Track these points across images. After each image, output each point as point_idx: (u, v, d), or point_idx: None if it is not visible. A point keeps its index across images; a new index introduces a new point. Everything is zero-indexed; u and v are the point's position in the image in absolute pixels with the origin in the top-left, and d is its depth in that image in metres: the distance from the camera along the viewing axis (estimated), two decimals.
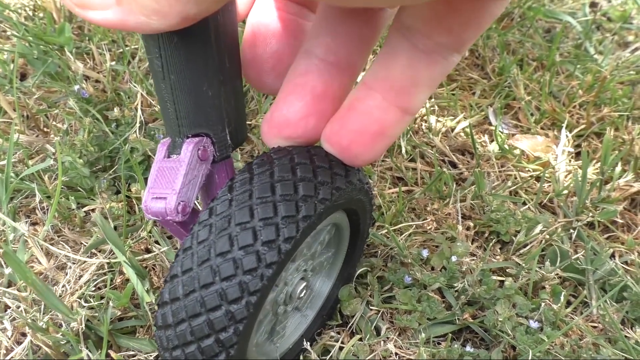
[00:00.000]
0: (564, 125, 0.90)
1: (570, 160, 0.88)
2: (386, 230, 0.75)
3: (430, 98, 0.99)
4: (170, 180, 0.51)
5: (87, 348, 0.60)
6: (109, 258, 0.70)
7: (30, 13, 1.04)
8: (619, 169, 0.85)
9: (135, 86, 0.89)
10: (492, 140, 0.93)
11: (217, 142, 0.53)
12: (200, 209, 0.57)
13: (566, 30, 1.20)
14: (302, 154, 0.51)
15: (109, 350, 0.60)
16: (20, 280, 0.63)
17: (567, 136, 0.89)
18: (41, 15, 1.04)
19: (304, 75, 0.50)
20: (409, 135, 0.90)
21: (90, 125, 0.78)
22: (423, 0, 0.35)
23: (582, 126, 0.94)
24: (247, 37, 0.53)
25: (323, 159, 0.52)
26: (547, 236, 0.77)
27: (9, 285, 0.66)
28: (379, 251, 0.75)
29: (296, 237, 0.47)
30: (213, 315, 0.46)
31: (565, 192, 0.84)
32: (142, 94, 0.87)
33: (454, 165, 0.90)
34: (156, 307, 0.65)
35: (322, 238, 0.61)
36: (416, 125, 0.94)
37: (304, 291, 0.60)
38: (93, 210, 0.76)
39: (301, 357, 0.59)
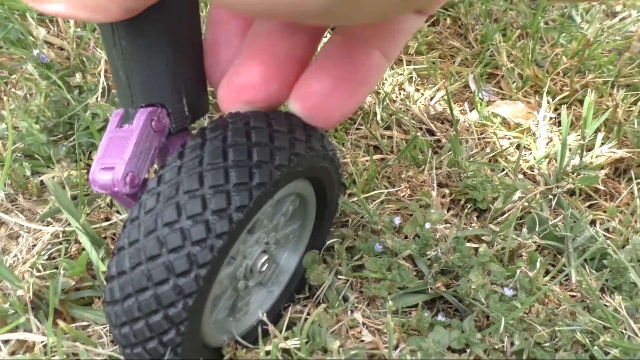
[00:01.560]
0: (545, 90, 0.87)
1: (551, 127, 0.85)
2: (357, 198, 0.72)
3: (409, 64, 0.96)
4: (120, 149, 0.47)
5: (36, 317, 0.57)
6: (65, 227, 0.66)
7: None
8: (601, 135, 0.82)
9: (99, 52, 0.86)
10: (472, 109, 0.90)
11: (173, 113, 0.49)
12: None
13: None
14: (258, 118, 0.48)
15: (58, 320, 0.57)
16: None
17: (548, 102, 0.86)
18: None
19: (265, 38, 0.47)
20: (385, 103, 0.87)
21: (48, 89, 0.75)
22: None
23: (566, 93, 0.91)
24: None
25: (282, 122, 0.48)
26: (526, 203, 0.74)
27: None
28: (350, 220, 0.72)
29: (249, 206, 0.44)
30: (160, 290, 0.43)
31: (546, 159, 0.80)
32: (106, 60, 0.83)
33: (431, 133, 0.86)
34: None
35: (286, 209, 0.57)
36: (394, 95, 0.91)
37: (266, 265, 0.57)
38: (47, 179, 0.73)
39: (259, 331, 0.56)
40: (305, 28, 0.47)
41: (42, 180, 0.72)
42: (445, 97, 0.89)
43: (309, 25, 0.47)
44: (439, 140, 0.85)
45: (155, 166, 0.53)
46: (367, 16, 0.34)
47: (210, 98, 0.58)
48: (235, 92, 0.48)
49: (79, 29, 0.91)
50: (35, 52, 0.81)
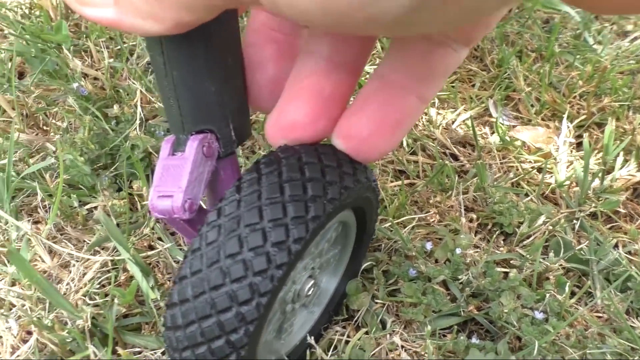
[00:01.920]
0: (565, 115, 0.90)
1: (571, 151, 0.88)
2: (389, 224, 0.75)
3: None
4: (176, 178, 0.50)
5: (93, 345, 0.60)
6: (113, 255, 0.70)
7: (27, 11, 1.04)
8: (620, 159, 0.85)
9: (134, 83, 0.89)
10: (492, 132, 0.93)
11: (221, 138, 0.52)
12: (206, 206, 0.57)
13: (564, 21, 1.20)
14: (310, 153, 0.51)
15: (115, 347, 0.60)
16: (25, 279, 0.63)
17: (568, 127, 0.89)
18: (37, 13, 1.03)
19: (310, 77, 0.50)
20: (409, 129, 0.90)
21: (91, 123, 0.78)
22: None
23: (583, 117, 0.94)
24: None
25: (331, 157, 0.51)
26: (550, 227, 0.77)
27: (13, 284, 0.66)
28: (383, 245, 0.75)
29: (306, 238, 0.47)
30: (223, 317, 0.46)
31: (567, 182, 0.84)
32: (141, 91, 0.87)
33: (455, 157, 0.90)
34: (162, 305, 0.65)
35: (330, 236, 0.60)
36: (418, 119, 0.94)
37: (312, 289, 0.60)
38: (95, 208, 0.76)
39: (307, 353, 0.59)
40: (348, 66, 0.50)
41: (87, 210, 0.75)
42: (468, 123, 0.92)
43: (351, 62, 0.50)
44: (462, 165, 0.88)
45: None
46: (446, 23, 0.32)
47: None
48: (283, 131, 0.51)
49: (111, 59, 0.94)
50: (75, 85, 0.84)
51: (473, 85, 1.04)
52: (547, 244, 0.76)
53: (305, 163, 0.49)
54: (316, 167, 0.49)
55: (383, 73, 0.49)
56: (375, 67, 0.86)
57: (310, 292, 0.60)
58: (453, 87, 1.00)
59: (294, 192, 0.47)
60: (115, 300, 0.63)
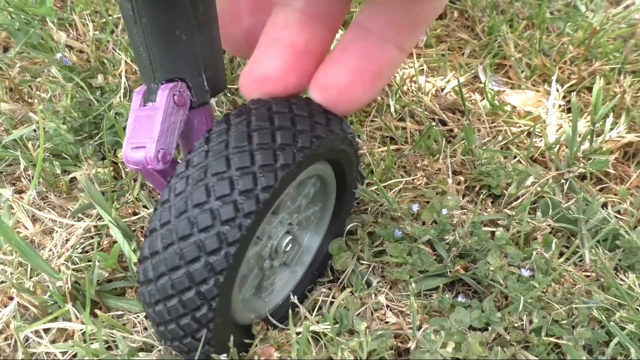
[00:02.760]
0: (554, 78, 0.89)
1: (561, 114, 0.87)
2: (376, 187, 0.74)
3: (419, 57, 0.98)
4: (148, 128, 0.50)
5: (75, 308, 0.60)
6: (96, 221, 0.69)
7: None
8: (610, 120, 0.84)
9: (119, 53, 0.88)
10: (482, 99, 0.92)
11: (193, 87, 0.52)
12: (181, 156, 0.56)
13: None
14: (280, 104, 0.50)
15: (95, 310, 0.59)
16: (5, 243, 0.62)
17: (557, 90, 0.88)
18: None
19: (283, 29, 0.49)
20: (398, 95, 0.89)
21: (73, 91, 0.77)
22: None
23: (574, 81, 0.93)
24: (219, 14, 0.52)
25: (303, 107, 0.51)
26: (539, 188, 0.76)
27: None
28: (370, 208, 0.74)
29: (275, 186, 0.46)
30: (192, 267, 0.45)
31: (557, 145, 0.83)
32: (126, 61, 0.86)
33: (444, 123, 0.89)
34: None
35: (307, 191, 0.60)
36: (406, 86, 0.93)
37: (290, 245, 0.59)
38: (80, 176, 0.75)
39: (290, 312, 0.58)
40: (324, 19, 0.49)
41: (70, 178, 0.75)
42: (457, 89, 0.91)
43: (328, 15, 0.49)
44: (451, 130, 0.87)
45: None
46: None
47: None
48: (255, 84, 0.50)
49: (97, 32, 0.93)
50: (58, 55, 0.84)
51: (463, 54, 1.03)
52: (535, 205, 0.76)
53: (275, 112, 0.49)
54: (286, 116, 0.49)
55: (362, 21, 0.48)
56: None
57: (288, 249, 0.59)
58: (443, 55, 0.99)
59: (262, 140, 0.47)
60: (97, 264, 0.62)
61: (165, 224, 0.46)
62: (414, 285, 0.62)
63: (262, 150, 0.47)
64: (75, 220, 0.69)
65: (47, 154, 0.76)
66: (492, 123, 0.87)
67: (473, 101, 0.92)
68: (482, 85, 0.94)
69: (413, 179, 0.77)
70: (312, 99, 0.51)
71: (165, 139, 0.50)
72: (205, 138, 0.49)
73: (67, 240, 0.67)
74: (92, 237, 0.68)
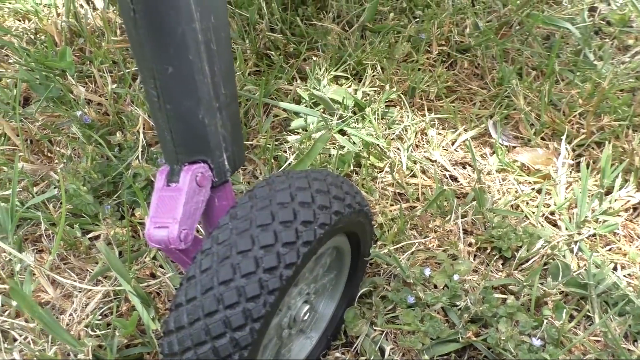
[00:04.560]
0: (564, 137, 0.91)
1: (570, 172, 0.89)
2: (388, 250, 0.75)
3: (430, 111, 0.99)
4: (171, 208, 0.52)
5: None
6: (114, 286, 0.71)
7: (32, 37, 1.05)
8: (619, 180, 0.85)
9: (136, 109, 0.90)
10: (492, 153, 0.94)
11: (215, 168, 0.54)
12: (202, 234, 0.58)
13: (565, 37, 1.20)
14: (300, 179, 0.53)
15: None
16: (28, 313, 0.64)
17: (566, 149, 0.89)
18: (42, 37, 1.05)
19: None
20: (409, 150, 0.91)
21: (93, 153, 0.79)
22: None
23: (583, 136, 0.94)
24: None
25: (321, 183, 0.53)
26: (549, 251, 0.77)
27: (17, 315, 0.67)
28: (382, 270, 0.75)
29: (297, 263, 0.48)
30: (218, 343, 0.47)
31: (566, 204, 0.84)
32: (143, 117, 0.88)
33: (455, 179, 0.90)
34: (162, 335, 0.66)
35: (324, 261, 0.62)
36: (416, 140, 0.95)
37: (308, 314, 0.61)
38: (98, 236, 0.77)
39: None
40: None
41: (90, 239, 0.76)
42: (467, 143, 0.93)
43: None
44: (462, 186, 0.88)
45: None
46: None
47: None
48: None
49: (115, 85, 0.95)
50: (79, 113, 0.86)
51: (474, 104, 1.04)
52: (545, 267, 0.77)
53: (296, 189, 0.51)
54: (307, 194, 0.51)
55: None
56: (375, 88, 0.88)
57: (306, 317, 0.61)
58: (453, 106, 1.01)
59: (284, 218, 0.49)
60: (117, 332, 0.64)
61: (191, 300, 0.48)
62: (426, 356, 0.63)
63: (284, 229, 0.49)
64: (94, 285, 0.71)
65: (66, 214, 0.78)
66: (503, 180, 0.88)
67: (483, 155, 0.93)
68: (491, 139, 0.95)
69: (425, 241, 0.78)
70: (330, 171, 0.54)
71: (188, 220, 0.52)
72: (229, 215, 0.51)
73: (87, 304, 0.69)
74: (110, 302, 0.70)
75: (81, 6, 1.07)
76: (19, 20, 1.09)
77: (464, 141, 0.95)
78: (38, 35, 1.06)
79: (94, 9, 1.09)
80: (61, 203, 0.78)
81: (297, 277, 0.53)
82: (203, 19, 0.50)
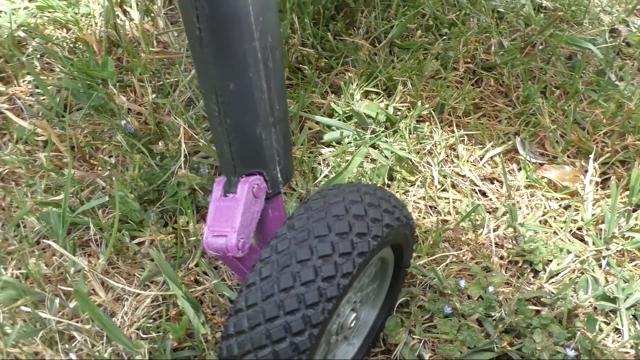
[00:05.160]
0: (592, 156, 0.93)
1: (597, 189, 0.91)
2: (424, 261, 0.78)
3: (459, 127, 1.02)
4: (229, 218, 0.55)
5: None
6: (162, 290, 0.73)
7: (72, 46, 1.08)
8: None
9: (177, 119, 0.93)
10: (520, 169, 0.96)
11: (269, 180, 0.57)
12: (254, 244, 0.61)
13: (587, 57, 1.23)
14: (353, 193, 0.56)
15: None
16: (86, 314, 0.66)
17: (594, 167, 0.92)
18: (81, 47, 1.08)
19: None
20: (440, 166, 0.94)
21: (141, 161, 0.82)
22: None
23: (607, 154, 0.97)
24: None
25: (373, 196, 0.56)
26: (578, 265, 0.80)
27: (72, 317, 0.69)
28: (417, 280, 0.78)
29: (353, 273, 0.51)
30: (278, 347, 0.50)
31: (594, 221, 0.87)
32: (184, 127, 0.91)
33: (484, 193, 0.93)
34: (211, 339, 0.68)
35: (370, 271, 0.65)
36: (446, 155, 0.98)
37: (354, 321, 0.64)
38: (143, 242, 0.80)
39: None
40: None
41: (136, 244, 0.79)
42: (496, 159, 0.96)
43: None
44: (491, 201, 0.91)
45: None
46: None
47: None
48: None
49: (154, 95, 0.98)
50: (123, 122, 0.89)
51: (499, 121, 1.07)
52: (576, 280, 0.79)
53: (350, 202, 0.54)
54: (360, 206, 0.54)
55: None
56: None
57: (352, 324, 0.63)
58: (481, 123, 1.04)
59: (341, 229, 0.52)
60: (170, 335, 0.67)
61: (251, 306, 0.51)
62: None
63: (341, 240, 0.51)
64: (142, 289, 0.74)
65: (112, 219, 0.80)
66: (531, 196, 0.91)
67: (510, 171, 0.96)
68: (518, 155, 0.98)
69: (459, 254, 0.81)
70: (380, 187, 0.57)
71: (245, 229, 0.55)
72: (287, 226, 0.54)
73: (136, 308, 0.72)
74: (159, 306, 0.72)
75: (118, 17, 1.10)
76: (59, 29, 1.12)
77: (491, 157, 0.98)
78: (77, 45, 1.09)
79: (131, 19, 1.12)
80: (109, 209, 0.81)
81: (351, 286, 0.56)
82: (262, 38, 0.53)
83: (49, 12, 1.13)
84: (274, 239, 0.54)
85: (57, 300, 0.68)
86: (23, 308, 0.68)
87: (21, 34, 1.08)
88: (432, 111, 1.02)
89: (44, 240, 0.75)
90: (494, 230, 0.84)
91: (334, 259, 0.51)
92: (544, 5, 1.35)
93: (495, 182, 0.96)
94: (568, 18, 1.32)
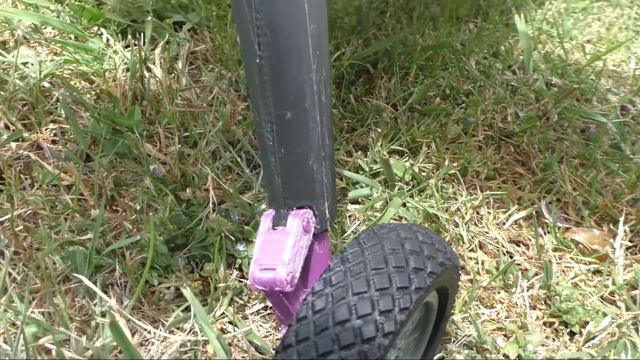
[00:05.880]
0: (621, 219, 0.93)
1: (626, 254, 0.91)
2: (457, 318, 0.76)
3: (482, 189, 1.02)
4: (277, 251, 0.53)
5: None
6: (190, 335, 0.70)
7: (97, 97, 1.08)
8: None
9: (204, 168, 0.92)
10: (545, 233, 0.96)
11: (318, 215, 0.56)
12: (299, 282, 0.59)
13: (601, 130, 1.25)
14: (406, 230, 0.54)
15: None
16: (122, 354, 0.63)
17: (624, 230, 0.92)
18: (106, 98, 1.08)
19: None
20: (467, 226, 0.93)
21: (172, 204, 0.80)
22: None
23: (632, 222, 0.97)
24: None
25: (425, 235, 0.55)
26: (615, 328, 0.78)
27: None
28: (452, 338, 0.75)
29: (410, 308, 0.49)
30: None
31: (626, 285, 0.85)
32: (212, 176, 0.90)
33: (510, 255, 0.92)
34: None
35: (415, 317, 0.62)
36: (472, 216, 0.97)
37: None
38: (168, 288, 0.77)
39: None
40: None
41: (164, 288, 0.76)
42: (520, 222, 0.95)
43: None
44: (518, 264, 0.90)
45: None
46: None
47: None
48: None
49: (180, 146, 0.98)
50: (152, 167, 0.87)
51: (520, 188, 1.07)
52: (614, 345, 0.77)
53: (404, 238, 0.53)
54: (415, 242, 0.53)
55: None
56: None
57: None
58: (500, 188, 1.03)
59: (397, 263, 0.50)
60: None
61: (303, 340, 0.48)
62: None
63: (398, 273, 0.50)
64: (170, 333, 0.70)
65: (138, 264, 0.78)
66: (560, 259, 0.90)
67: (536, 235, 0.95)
68: (543, 220, 0.98)
69: (492, 312, 0.79)
70: (428, 228, 0.56)
71: (294, 263, 0.53)
72: (340, 259, 0.52)
73: (163, 353, 0.68)
74: (186, 352, 0.69)
75: (143, 73, 1.11)
76: (84, 81, 1.12)
77: (515, 221, 0.97)
78: (102, 95, 1.09)
79: (154, 76, 1.13)
80: (137, 251, 0.78)
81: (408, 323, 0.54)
82: (318, 71, 0.53)
83: (75, 65, 1.14)
84: (327, 272, 0.52)
85: (83, 339, 0.65)
86: (48, 345, 0.65)
87: (46, 84, 1.08)
88: (457, 172, 1.02)
89: (74, 275, 0.72)
90: (528, 290, 0.83)
91: (392, 292, 0.49)
92: (553, 82, 1.38)
93: (521, 244, 0.95)
94: (577, 95, 1.35)
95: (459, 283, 0.83)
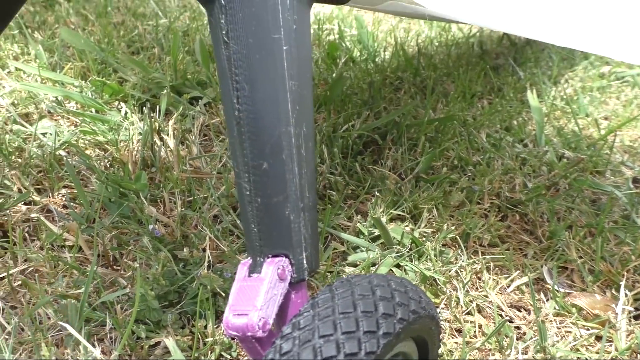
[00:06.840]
0: (622, 283, 0.91)
1: (630, 320, 0.88)
2: None
3: (484, 254, 1.01)
4: (251, 297, 0.54)
5: None
6: None
7: (107, 164, 1.13)
8: None
9: (204, 229, 0.94)
10: (548, 299, 0.94)
11: (295, 264, 0.56)
12: (274, 329, 0.59)
13: (612, 201, 1.24)
14: (379, 278, 0.55)
15: None
16: None
17: (626, 294, 0.90)
18: (117, 165, 1.12)
19: None
20: (465, 289, 0.92)
21: (165, 260, 0.82)
22: None
23: (638, 289, 0.94)
24: None
25: (399, 283, 0.55)
26: None
27: None
28: None
29: (377, 353, 0.49)
30: None
31: (629, 351, 0.83)
32: (210, 237, 0.92)
33: (510, 320, 0.90)
34: None
35: None
36: (471, 281, 0.96)
37: None
38: (158, 343, 0.77)
39: None
40: None
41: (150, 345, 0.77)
42: (522, 288, 0.94)
43: None
44: (518, 328, 0.88)
45: None
46: None
47: None
48: None
49: (183, 209, 1.00)
50: (151, 227, 0.90)
51: (524, 255, 1.06)
52: None
53: (376, 285, 0.53)
54: (386, 290, 0.53)
55: None
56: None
57: None
58: (502, 255, 1.03)
59: (366, 308, 0.51)
60: None
61: None
62: None
63: (366, 318, 0.50)
64: None
65: (129, 318, 0.79)
66: (560, 324, 0.88)
67: (538, 300, 0.94)
68: (546, 285, 0.96)
69: None
70: (404, 278, 0.56)
71: (267, 309, 0.54)
72: (310, 304, 0.53)
73: None
74: None
75: (155, 143, 1.16)
76: (100, 150, 1.17)
77: (517, 286, 0.96)
78: (113, 163, 1.13)
79: (167, 145, 1.17)
80: (127, 306, 0.80)
81: None
82: (297, 125, 0.56)
83: (90, 136, 1.19)
84: (296, 316, 0.53)
85: None
86: None
87: (62, 152, 1.13)
88: (457, 237, 1.01)
89: (60, 323, 0.73)
90: (523, 353, 0.80)
91: (358, 336, 0.49)
92: (565, 155, 1.39)
93: (522, 310, 0.93)
94: (590, 168, 1.35)
95: (454, 345, 0.82)
